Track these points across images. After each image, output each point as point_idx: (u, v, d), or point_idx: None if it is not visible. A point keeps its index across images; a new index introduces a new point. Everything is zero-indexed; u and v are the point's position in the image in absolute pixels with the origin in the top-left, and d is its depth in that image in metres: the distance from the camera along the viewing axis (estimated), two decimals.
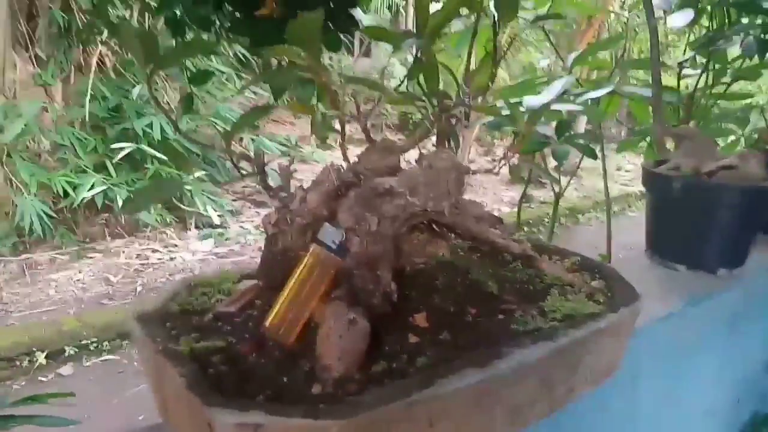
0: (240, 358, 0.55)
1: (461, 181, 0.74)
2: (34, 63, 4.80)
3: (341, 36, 0.91)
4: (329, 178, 0.64)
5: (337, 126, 0.69)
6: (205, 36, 0.68)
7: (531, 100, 1.45)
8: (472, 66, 0.79)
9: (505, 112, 0.92)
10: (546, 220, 4.55)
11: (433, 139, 0.87)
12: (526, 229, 4.57)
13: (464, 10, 0.80)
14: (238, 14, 0.80)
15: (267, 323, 0.57)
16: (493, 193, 5.30)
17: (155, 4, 0.71)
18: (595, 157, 1.35)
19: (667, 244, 1.14)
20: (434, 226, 0.76)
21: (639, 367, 0.95)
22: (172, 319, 0.60)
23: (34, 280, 4.26)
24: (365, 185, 0.66)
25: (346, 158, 0.68)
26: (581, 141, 1.37)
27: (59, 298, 4.07)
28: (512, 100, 1.45)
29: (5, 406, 0.86)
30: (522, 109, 1.39)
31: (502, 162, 0.87)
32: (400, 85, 0.79)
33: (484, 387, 0.54)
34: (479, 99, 0.80)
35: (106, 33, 4.32)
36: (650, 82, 1.29)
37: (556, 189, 1.41)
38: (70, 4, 4.72)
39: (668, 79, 1.56)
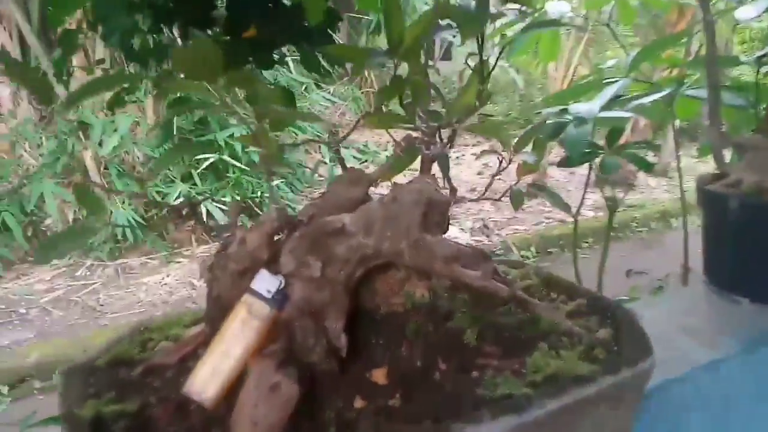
0: (150, 424, 0.50)
1: (440, 214, 0.65)
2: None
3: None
4: (270, 217, 0.58)
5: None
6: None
7: (578, 108, 1.32)
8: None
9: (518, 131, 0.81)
10: (634, 224, 4.22)
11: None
12: (612, 234, 4.26)
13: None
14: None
15: (187, 384, 0.52)
16: (576, 196, 5.00)
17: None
18: (650, 169, 1.20)
19: (726, 272, 0.97)
20: None
21: (681, 425, 0.80)
22: (98, 373, 0.57)
23: (128, 283, 4.56)
24: (313, 224, 0.59)
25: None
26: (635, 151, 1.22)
27: (148, 301, 4.32)
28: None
29: (27, 427, 0.87)
30: (569, 117, 1.27)
31: (507, 189, 0.77)
32: (379, 108, 0.71)
33: None
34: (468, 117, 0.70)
35: None
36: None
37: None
38: (161, 27, 5.01)
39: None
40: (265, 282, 0.55)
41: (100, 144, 4.78)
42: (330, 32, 0.76)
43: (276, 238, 0.59)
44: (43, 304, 4.11)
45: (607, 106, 1.27)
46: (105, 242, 4.80)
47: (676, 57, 1.92)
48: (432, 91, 0.75)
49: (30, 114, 4.82)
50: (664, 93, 1.21)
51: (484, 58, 0.72)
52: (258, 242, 0.57)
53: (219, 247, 0.59)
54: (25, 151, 4.81)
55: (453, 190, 0.74)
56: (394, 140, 0.67)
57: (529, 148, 0.81)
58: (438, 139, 0.69)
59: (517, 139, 0.73)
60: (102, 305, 4.26)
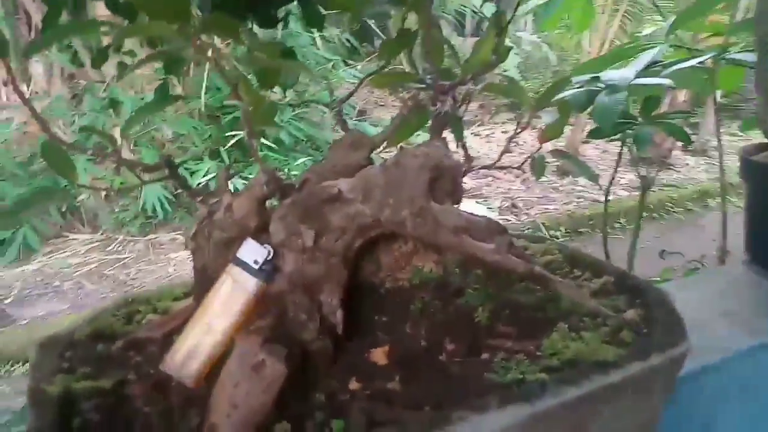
0: (125, 402, 0.46)
1: (451, 181, 0.59)
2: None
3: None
4: (259, 181, 0.52)
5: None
6: None
7: (610, 75, 1.23)
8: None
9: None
10: (669, 204, 4.06)
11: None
12: (646, 214, 4.10)
13: None
14: None
15: (166, 360, 0.47)
16: (610, 176, 4.84)
17: None
18: (688, 140, 1.11)
19: None
20: None
21: (716, 417, 0.73)
22: (76, 347, 0.53)
23: (158, 258, 4.62)
24: (307, 190, 0.53)
25: (261, 160, 0.57)
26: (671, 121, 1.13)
27: (177, 275, 4.37)
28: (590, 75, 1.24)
29: None
30: (600, 85, 1.18)
31: (527, 157, 0.70)
32: (384, 66, 0.65)
33: None
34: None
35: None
36: None
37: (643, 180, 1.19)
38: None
39: None
40: (252, 252, 0.50)
41: (138, 125, 4.80)
42: None
43: (267, 204, 0.54)
44: (76, 277, 4.20)
45: (642, 74, 1.18)
46: (136, 218, 4.87)
47: (721, 23, 1.78)
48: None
49: (63, 92, 4.88)
50: (705, 57, 1.11)
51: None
52: (246, 209, 0.52)
53: (204, 214, 0.54)
54: (59, 128, 4.89)
55: (468, 156, 0.67)
56: (401, 101, 0.61)
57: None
58: (451, 100, 0.63)
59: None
60: (133, 279, 4.32)
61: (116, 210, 4.98)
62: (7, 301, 3.81)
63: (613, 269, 0.66)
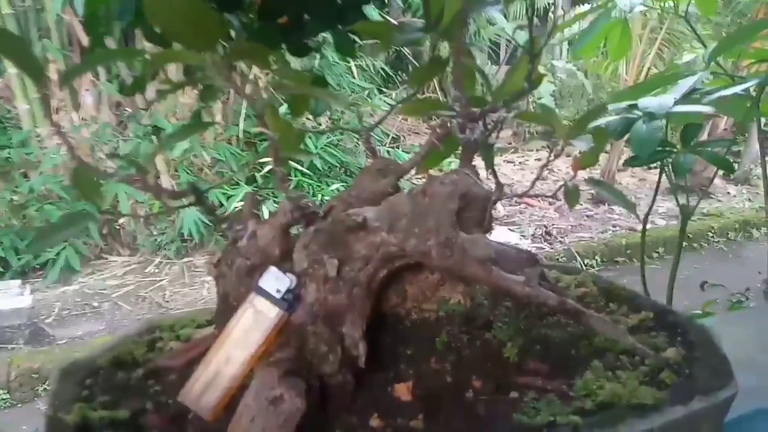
0: None
1: (480, 210, 0.57)
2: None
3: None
4: (284, 209, 0.52)
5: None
6: None
7: (648, 102, 1.20)
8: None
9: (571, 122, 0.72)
10: (710, 234, 3.92)
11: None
12: (685, 244, 3.97)
13: None
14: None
15: (184, 391, 0.46)
16: (647, 204, 4.70)
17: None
18: (730, 169, 1.07)
19: None
20: None
21: None
22: (97, 374, 0.53)
23: (192, 281, 4.68)
24: (332, 217, 0.52)
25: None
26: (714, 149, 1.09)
27: (210, 299, 4.41)
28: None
29: None
30: (638, 113, 1.15)
31: (560, 185, 0.68)
32: (414, 94, 0.64)
33: None
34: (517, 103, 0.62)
35: None
36: None
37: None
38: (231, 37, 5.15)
39: None
40: (275, 280, 0.49)
41: (172, 147, 4.93)
42: (362, 11, 0.70)
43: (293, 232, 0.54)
44: (114, 298, 4.28)
45: (681, 101, 1.15)
46: (173, 241, 4.96)
47: (767, 51, 1.72)
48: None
49: (109, 119, 5.06)
50: (749, 84, 1.07)
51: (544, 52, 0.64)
52: (270, 236, 0.51)
53: (229, 241, 0.53)
54: (103, 154, 5.05)
55: (498, 183, 0.65)
56: (432, 129, 0.60)
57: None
58: (482, 127, 0.62)
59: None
60: (167, 301, 4.38)
61: (154, 233, 5.07)
62: (47, 321, 3.91)
63: (652, 304, 0.63)
